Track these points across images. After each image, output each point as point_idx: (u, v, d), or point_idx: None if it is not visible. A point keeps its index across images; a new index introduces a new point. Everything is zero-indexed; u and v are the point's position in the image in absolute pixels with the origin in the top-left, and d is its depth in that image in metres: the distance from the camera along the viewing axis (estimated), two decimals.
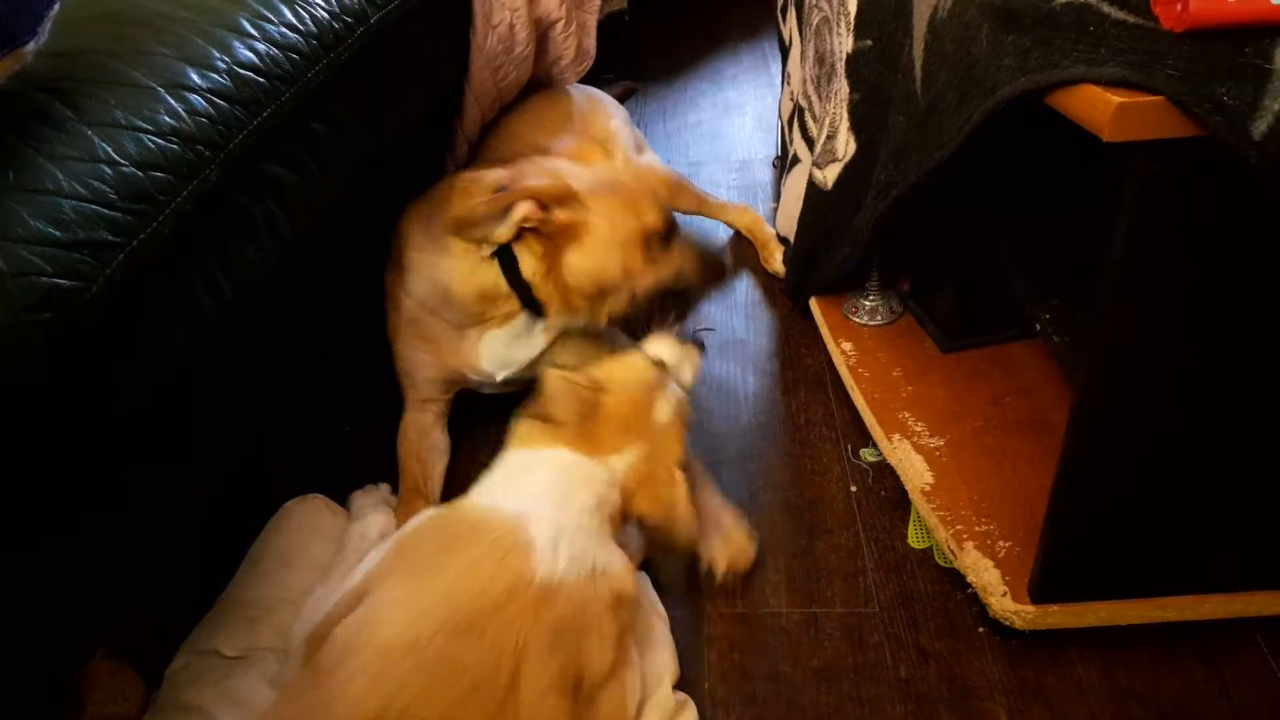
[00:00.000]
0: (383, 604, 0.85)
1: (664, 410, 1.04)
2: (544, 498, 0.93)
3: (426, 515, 0.97)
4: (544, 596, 0.85)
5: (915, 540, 1.17)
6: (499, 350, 1.29)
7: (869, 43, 1.14)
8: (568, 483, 0.95)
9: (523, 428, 1.01)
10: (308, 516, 1.15)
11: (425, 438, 1.30)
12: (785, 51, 1.76)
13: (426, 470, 1.27)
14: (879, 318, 1.45)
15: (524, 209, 1.16)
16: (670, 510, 1.01)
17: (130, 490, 0.89)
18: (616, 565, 0.93)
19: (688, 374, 1.13)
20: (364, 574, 0.91)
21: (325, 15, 1.09)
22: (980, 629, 1.06)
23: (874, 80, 1.15)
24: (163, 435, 0.91)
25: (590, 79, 1.88)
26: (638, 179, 1.32)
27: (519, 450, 1.00)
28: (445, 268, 1.23)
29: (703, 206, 1.77)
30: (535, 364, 1.31)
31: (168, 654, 1.02)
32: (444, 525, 0.93)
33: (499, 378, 1.30)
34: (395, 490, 1.26)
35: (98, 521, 0.85)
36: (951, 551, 1.09)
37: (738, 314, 1.62)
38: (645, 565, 1.11)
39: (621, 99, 2.22)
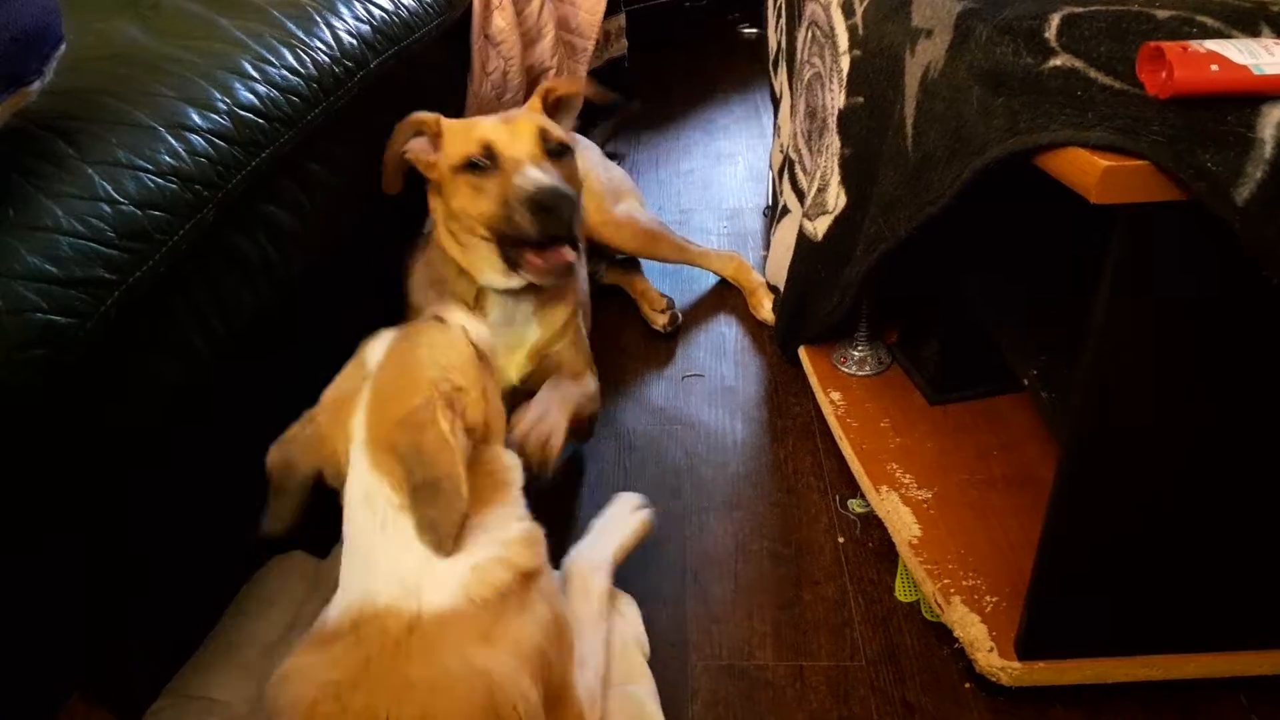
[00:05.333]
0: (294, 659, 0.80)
1: (373, 353, 0.90)
2: (354, 551, 0.83)
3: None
4: (434, 628, 0.78)
5: (902, 593, 1.17)
6: (499, 336, 1.31)
7: (861, 99, 1.17)
8: (351, 518, 0.83)
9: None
10: (292, 565, 1.14)
11: None
12: (777, 104, 1.79)
13: None
14: (867, 368, 1.46)
15: (416, 145, 1.26)
16: (420, 433, 0.82)
17: (118, 525, 0.88)
18: (498, 547, 0.84)
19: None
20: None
21: (326, 59, 1.10)
22: (966, 684, 1.06)
23: (865, 136, 1.17)
24: (152, 470, 0.91)
25: (588, 122, 1.90)
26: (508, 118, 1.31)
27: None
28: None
29: (684, 255, 1.78)
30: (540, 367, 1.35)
31: (145, 697, 1.01)
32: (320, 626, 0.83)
33: (514, 376, 1.33)
34: None
35: (83, 555, 0.84)
36: (939, 605, 1.09)
37: (726, 361, 1.63)
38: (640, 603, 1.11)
39: (619, 126, 2.26)
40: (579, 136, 1.84)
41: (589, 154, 1.79)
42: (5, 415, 0.68)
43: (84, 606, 0.87)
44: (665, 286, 1.82)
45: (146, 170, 0.84)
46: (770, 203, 1.95)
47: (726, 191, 2.18)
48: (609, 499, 1.34)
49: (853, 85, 1.18)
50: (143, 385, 0.83)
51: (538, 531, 0.91)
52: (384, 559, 0.81)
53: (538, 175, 1.18)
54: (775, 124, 1.81)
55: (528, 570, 0.85)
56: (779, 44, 1.71)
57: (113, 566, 0.89)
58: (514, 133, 1.24)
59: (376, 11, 1.23)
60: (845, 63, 1.20)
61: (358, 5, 1.21)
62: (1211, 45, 0.69)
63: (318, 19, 1.13)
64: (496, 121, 1.26)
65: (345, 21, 1.17)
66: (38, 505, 0.75)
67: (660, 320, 1.69)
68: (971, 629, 1.04)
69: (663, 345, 1.67)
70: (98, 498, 0.83)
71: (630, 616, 1.08)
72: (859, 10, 1.16)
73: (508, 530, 0.87)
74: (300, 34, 1.09)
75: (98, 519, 0.84)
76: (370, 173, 1.24)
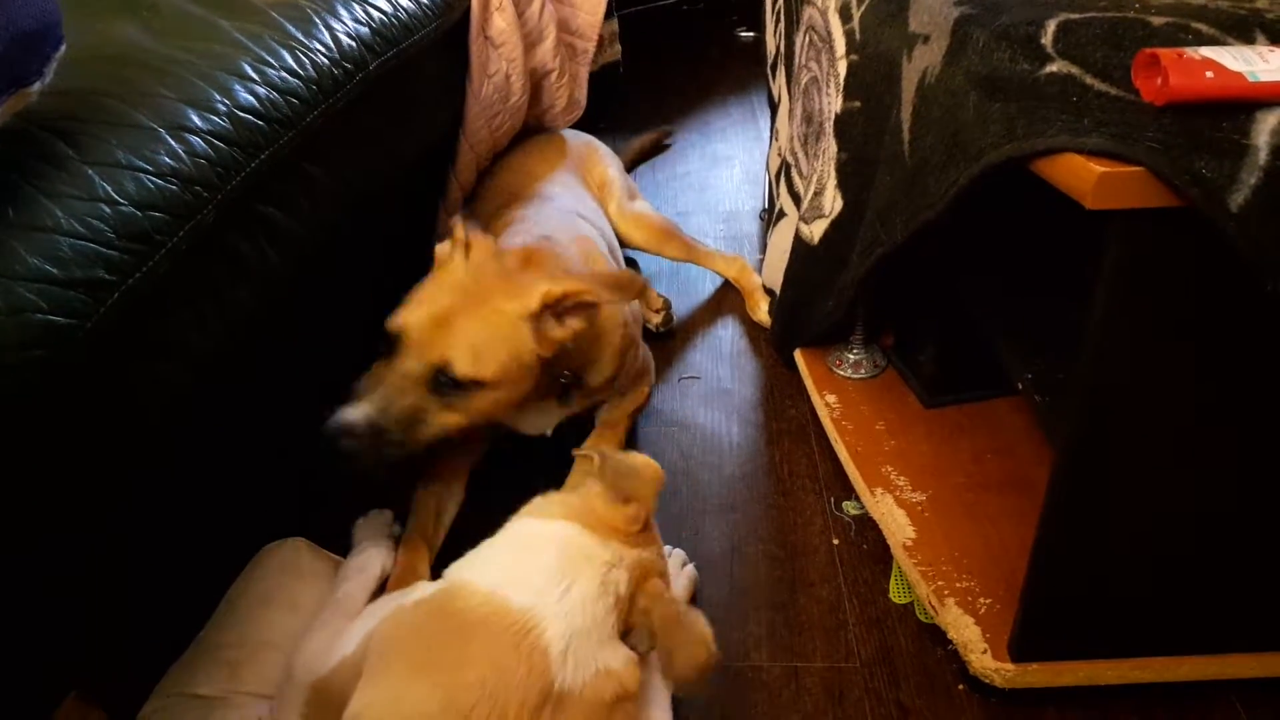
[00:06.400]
0: (389, 697, 0.80)
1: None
2: (549, 586, 0.85)
3: (426, 591, 0.89)
4: (558, 706, 0.80)
5: (896, 595, 1.17)
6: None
7: (858, 104, 1.17)
8: (573, 565, 0.87)
9: (538, 500, 0.97)
10: (288, 558, 1.14)
11: (452, 480, 1.30)
12: (774, 108, 1.80)
13: (440, 516, 1.26)
14: (863, 371, 1.46)
15: None
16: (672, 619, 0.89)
17: (114, 526, 0.88)
18: (618, 662, 0.86)
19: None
20: (363, 637, 0.88)
21: (325, 61, 1.10)
22: (960, 686, 1.06)
23: (862, 141, 1.17)
24: (151, 470, 0.91)
25: (587, 127, 1.91)
26: None
27: (526, 521, 0.94)
28: None
29: (692, 254, 1.80)
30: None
31: (140, 697, 1.01)
32: (450, 610, 0.85)
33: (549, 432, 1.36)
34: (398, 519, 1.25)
35: (80, 556, 0.84)
36: (933, 607, 1.09)
37: (723, 363, 1.63)
38: None
39: (653, 146, 2.30)
40: (593, 137, 1.86)
41: (604, 155, 1.81)
42: (5, 416, 0.68)
43: (82, 606, 0.87)
44: (664, 288, 1.82)
45: (146, 171, 0.84)
46: (767, 206, 1.96)
47: (723, 194, 2.18)
48: None
49: (850, 90, 1.19)
50: (142, 385, 0.83)
51: None
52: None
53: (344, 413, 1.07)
54: (773, 127, 1.81)
55: None
56: (777, 48, 1.71)
57: (110, 565, 0.89)
58: (421, 344, 1.09)
59: (375, 14, 1.23)
60: (842, 67, 1.20)
61: (356, 7, 1.21)
62: (1206, 52, 0.69)
63: (317, 21, 1.14)
64: (428, 311, 1.11)
65: (344, 24, 1.17)
66: (37, 505, 0.75)
67: (655, 319, 1.70)
68: (965, 631, 1.04)
69: (660, 347, 1.67)
70: (97, 498, 0.83)
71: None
72: (856, 15, 1.17)
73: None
74: (299, 36, 1.10)
75: (97, 519, 0.84)
76: (368, 174, 1.24)
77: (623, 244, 1.76)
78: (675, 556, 1.21)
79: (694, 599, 1.18)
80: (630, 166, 2.26)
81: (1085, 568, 0.95)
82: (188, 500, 1.01)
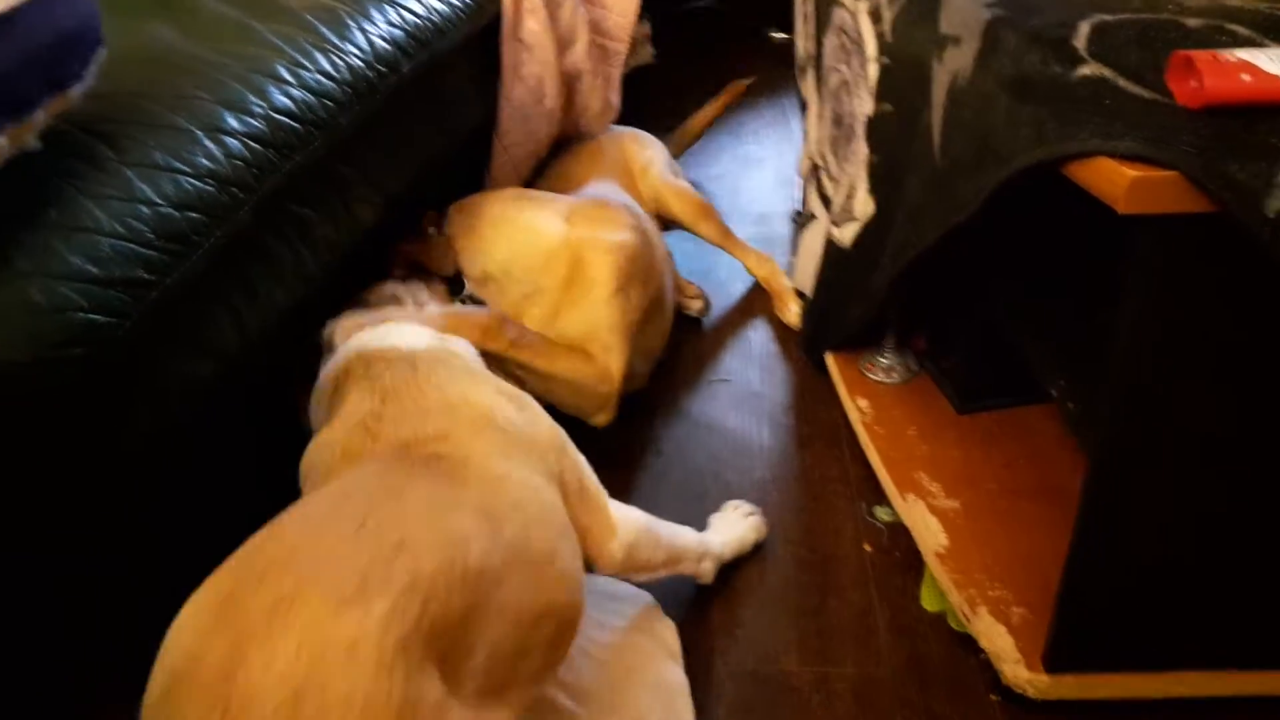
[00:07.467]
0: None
1: None
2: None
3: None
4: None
5: (928, 603, 1.16)
6: None
7: (889, 107, 1.16)
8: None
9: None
10: None
11: None
12: (805, 110, 1.79)
13: None
14: (895, 376, 1.45)
15: None
16: None
17: (146, 525, 0.90)
18: None
19: None
20: None
21: (360, 63, 1.12)
22: (992, 696, 1.05)
23: (893, 144, 1.17)
24: (183, 470, 0.93)
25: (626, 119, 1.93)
26: None
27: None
28: None
29: (725, 241, 1.82)
30: None
31: None
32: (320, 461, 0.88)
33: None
34: None
35: (112, 556, 0.85)
36: (965, 616, 1.08)
37: (753, 366, 1.63)
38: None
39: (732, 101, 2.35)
40: (640, 132, 1.89)
41: (642, 139, 1.86)
42: (46, 413, 0.70)
43: (115, 606, 0.88)
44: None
45: (184, 173, 0.85)
46: (799, 208, 1.95)
47: (755, 196, 2.18)
48: (639, 503, 1.34)
49: (881, 93, 1.18)
50: (179, 384, 0.84)
51: None
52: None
53: None
54: (804, 129, 1.81)
55: None
56: (807, 50, 1.71)
57: (141, 565, 0.90)
58: None
59: (409, 16, 1.24)
60: (873, 70, 1.20)
61: (389, 9, 1.23)
62: (1242, 54, 0.68)
63: (350, 24, 1.15)
64: None
65: (378, 26, 1.18)
66: (74, 503, 0.76)
67: (696, 306, 1.74)
68: (998, 640, 1.03)
69: (689, 349, 1.67)
70: (130, 495, 0.84)
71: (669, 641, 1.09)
72: (887, 17, 1.16)
73: None
74: (333, 38, 1.11)
75: (129, 517, 0.86)
76: (400, 176, 1.25)
77: (661, 215, 1.78)
78: (743, 508, 1.27)
79: (727, 568, 1.21)
80: (697, 136, 2.31)
81: (1120, 578, 0.93)
82: (218, 500, 1.02)
